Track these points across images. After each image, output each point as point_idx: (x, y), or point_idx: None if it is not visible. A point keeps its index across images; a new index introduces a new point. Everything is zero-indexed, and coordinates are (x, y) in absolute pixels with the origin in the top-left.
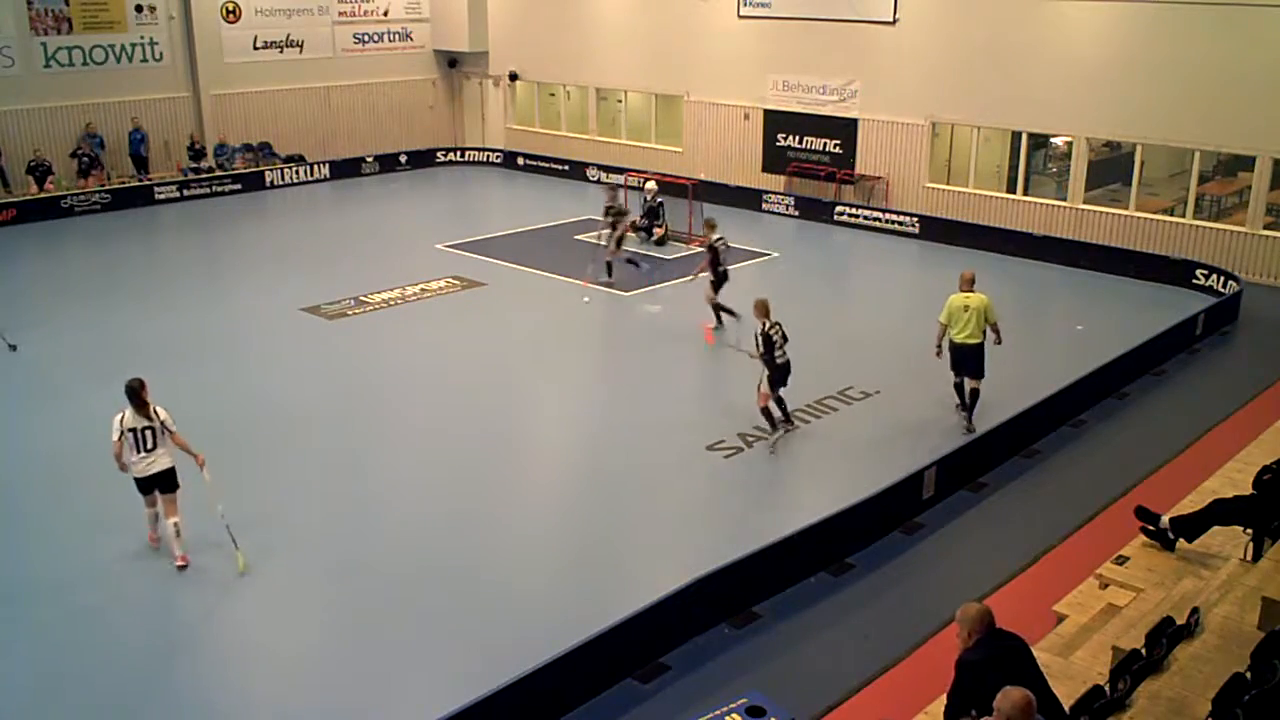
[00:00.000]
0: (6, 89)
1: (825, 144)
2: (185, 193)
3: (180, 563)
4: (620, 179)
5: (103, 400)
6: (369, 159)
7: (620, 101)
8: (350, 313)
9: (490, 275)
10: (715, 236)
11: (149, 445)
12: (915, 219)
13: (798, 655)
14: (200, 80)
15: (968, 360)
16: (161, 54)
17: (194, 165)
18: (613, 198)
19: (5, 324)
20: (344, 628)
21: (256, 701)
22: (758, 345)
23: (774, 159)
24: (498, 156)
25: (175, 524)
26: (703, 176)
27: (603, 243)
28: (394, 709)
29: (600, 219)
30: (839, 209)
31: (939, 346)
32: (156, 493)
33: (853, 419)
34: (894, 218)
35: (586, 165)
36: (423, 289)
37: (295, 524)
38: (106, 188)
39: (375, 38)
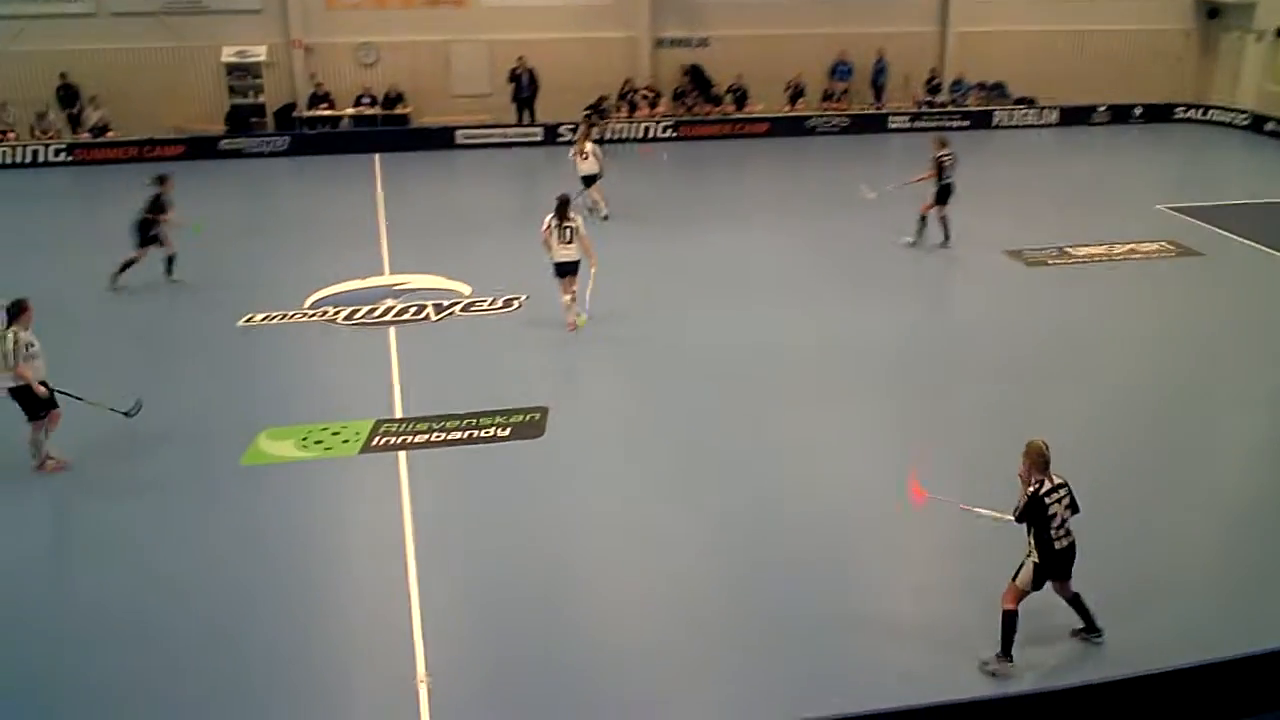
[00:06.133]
0: (775, 16)
1: None
2: (915, 124)
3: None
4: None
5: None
6: (1101, 108)
7: None
8: (1050, 262)
9: (1213, 246)
10: (944, 152)
11: (568, 240)
12: None
13: None
14: (950, 15)
15: None
16: None
17: (928, 99)
18: None
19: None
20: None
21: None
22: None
23: None
24: (1244, 118)
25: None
26: None
27: None
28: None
29: None
30: None
31: None
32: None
33: None
34: None
35: None
36: (1131, 249)
37: (959, 453)
38: (845, 112)
39: None
